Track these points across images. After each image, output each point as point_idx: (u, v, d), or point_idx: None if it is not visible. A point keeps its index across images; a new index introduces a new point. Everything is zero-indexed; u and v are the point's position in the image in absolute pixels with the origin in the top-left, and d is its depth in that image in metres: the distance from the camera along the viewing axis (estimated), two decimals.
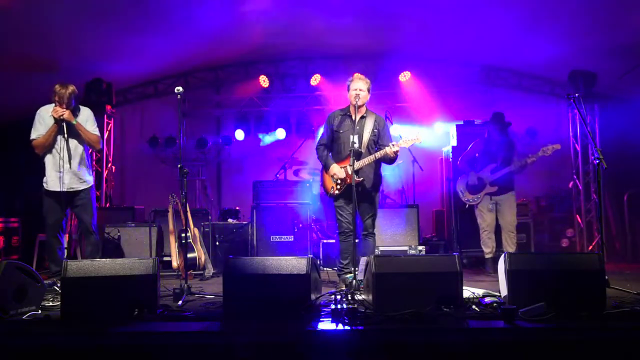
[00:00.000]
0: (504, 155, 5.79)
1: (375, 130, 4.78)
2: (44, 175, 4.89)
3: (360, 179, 4.62)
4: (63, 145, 4.81)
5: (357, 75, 4.78)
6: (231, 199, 8.92)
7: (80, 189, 4.90)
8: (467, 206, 6.07)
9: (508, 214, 5.78)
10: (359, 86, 4.68)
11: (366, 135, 4.74)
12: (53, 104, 4.84)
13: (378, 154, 4.66)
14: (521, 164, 5.59)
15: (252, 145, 9.00)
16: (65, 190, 4.79)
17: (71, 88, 4.81)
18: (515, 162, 5.65)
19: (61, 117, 4.72)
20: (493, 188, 5.80)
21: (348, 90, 4.76)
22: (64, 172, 4.79)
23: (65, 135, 4.77)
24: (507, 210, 5.78)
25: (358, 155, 4.64)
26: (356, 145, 4.62)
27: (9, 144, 8.13)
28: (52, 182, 4.81)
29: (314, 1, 6.64)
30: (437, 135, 8.32)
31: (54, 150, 4.83)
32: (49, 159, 4.84)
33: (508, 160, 5.74)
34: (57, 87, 4.78)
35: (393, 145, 4.57)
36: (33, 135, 4.81)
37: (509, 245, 5.71)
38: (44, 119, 4.83)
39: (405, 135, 4.78)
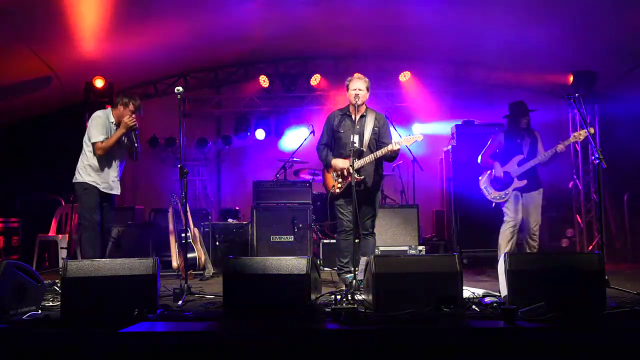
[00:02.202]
0: (529, 146, 5.40)
1: (376, 129, 4.79)
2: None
3: (362, 177, 4.64)
4: (116, 152, 5.01)
5: (356, 75, 4.79)
6: (231, 199, 8.92)
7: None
8: (493, 204, 5.51)
9: (534, 213, 5.32)
10: (358, 86, 4.69)
11: (367, 135, 4.75)
12: (106, 110, 5.02)
13: (379, 153, 4.66)
14: (551, 153, 5.18)
15: (252, 145, 9.01)
16: (115, 193, 5.03)
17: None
18: (542, 152, 5.27)
19: (134, 126, 4.92)
20: (522, 182, 5.32)
21: (347, 90, 4.77)
22: (115, 176, 5.02)
23: (126, 142, 5.04)
24: (534, 208, 5.32)
25: (359, 154, 4.66)
26: (356, 144, 4.62)
27: (9, 144, 8.14)
28: (106, 184, 4.94)
29: (314, 1, 6.64)
30: (437, 135, 8.32)
31: (109, 155, 4.96)
32: (103, 162, 4.93)
33: (534, 151, 5.36)
34: (128, 97, 4.99)
35: (395, 143, 4.59)
36: (100, 138, 4.85)
37: (530, 247, 5.35)
38: (106, 124, 4.93)
39: (407, 133, 4.78)
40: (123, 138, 4.99)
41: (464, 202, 6.77)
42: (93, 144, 4.88)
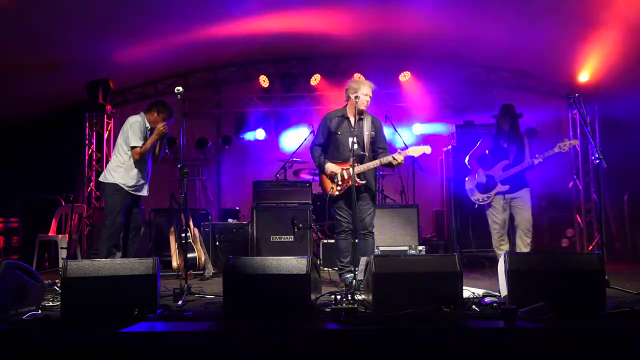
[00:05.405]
0: (516, 151, 5.41)
1: (373, 133, 4.82)
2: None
3: (364, 182, 4.68)
4: (147, 155, 5.17)
5: (366, 81, 4.78)
6: (231, 199, 8.92)
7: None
8: (476, 206, 5.64)
9: (524, 211, 5.31)
10: (368, 92, 4.70)
11: (365, 138, 4.77)
12: (141, 115, 5.13)
13: (384, 160, 4.68)
14: (534, 162, 5.17)
15: (252, 145, 9.00)
16: (144, 194, 5.22)
17: None
18: (527, 159, 5.26)
19: (166, 133, 5.12)
20: (504, 187, 5.35)
21: (352, 92, 4.71)
22: (144, 177, 5.18)
23: (158, 150, 5.23)
24: (523, 207, 5.32)
25: (361, 159, 4.69)
26: (356, 146, 4.57)
27: (10, 144, 8.14)
28: (137, 186, 5.12)
29: (313, 1, 6.64)
30: (437, 135, 8.32)
31: (144, 159, 5.13)
32: (136, 165, 5.08)
33: (521, 156, 5.37)
34: (162, 104, 5.15)
35: (400, 153, 4.62)
36: (139, 143, 5.03)
37: (524, 246, 5.33)
38: (143, 129, 5.10)
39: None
40: (155, 143, 5.16)
41: (464, 202, 6.74)
42: (132, 148, 5.01)
